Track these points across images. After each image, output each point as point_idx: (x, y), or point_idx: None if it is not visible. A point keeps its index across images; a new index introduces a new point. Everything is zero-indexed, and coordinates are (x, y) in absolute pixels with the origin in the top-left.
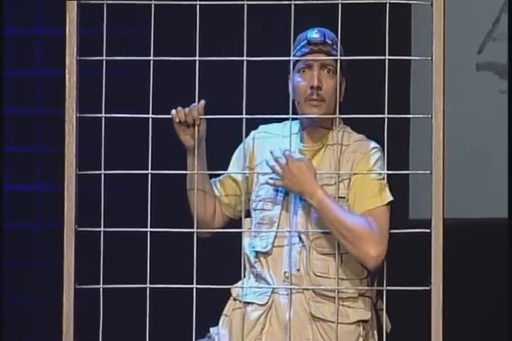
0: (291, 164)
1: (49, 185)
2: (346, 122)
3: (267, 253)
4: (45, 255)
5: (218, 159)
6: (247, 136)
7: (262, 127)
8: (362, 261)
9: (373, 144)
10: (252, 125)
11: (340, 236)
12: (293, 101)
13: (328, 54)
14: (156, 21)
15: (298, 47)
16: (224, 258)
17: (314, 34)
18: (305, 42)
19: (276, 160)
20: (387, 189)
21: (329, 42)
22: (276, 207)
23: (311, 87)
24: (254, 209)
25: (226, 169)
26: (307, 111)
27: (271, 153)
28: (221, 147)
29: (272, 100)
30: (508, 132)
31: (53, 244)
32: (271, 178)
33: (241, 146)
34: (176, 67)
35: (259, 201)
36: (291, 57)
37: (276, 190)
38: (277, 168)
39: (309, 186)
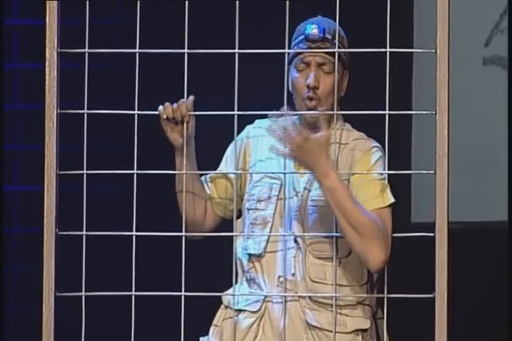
0: (307, 134)
1: (28, 185)
2: (346, 119)
3: (260, 256)
4: (24, 261)
5: (209, 158)
6: (239, 133)
7: (258, 122)
8: (366, 261)
9: (373, 143)
10: (247, 120)
11: (352, 229)
12: (290, 96)
13: (328, 52)
14: (143, 10)
15: (296, 41)
16: (215, 262)
17: (313, 29)
18: (303, 37)
19: (285, 129)
20: (388, 190)
21: (329, 37)
22: (270, 207)
23: (308, 86)
24: (248, 209)
25: (217, 168)
26: (303, 109)
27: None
28: (212, 145)
29: (267, 95)
30: (508, 132)
31: (32, 248)
32: (262, 178)
33: (235, 142)
34: (164, 61)
35: (253, 200)
36: (286, 50)
37: (270, 189)
38: (288, 137)
39: (324, 165)
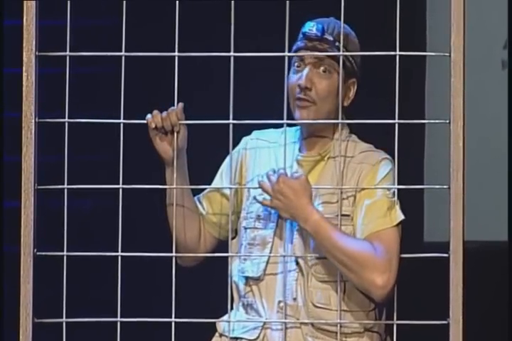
0: (283, 183)
1: (3, 201)
2: (352, 130)
3: (258, 279)
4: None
5: (203, 172)
6: (234, 143)
7: (255, 133)
8: (367, 292)
9: (383, 155)
10: (243, 131)
11: (341, 264)
12: (288, 104)
13: (325, 52)
14: (130, 9)
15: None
16: (208, 286)
17: (311, 27)
18: (301, 35)
19: (266, 176)
20: (397, 207)
21: (329, 38)
22: (270, 226)
23: (299, 86)
24: (245, 228)
25: (212, 184)
26: (294, 113)
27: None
28: (206, 158)
29: (266, 103)
30: (508, 140)
31: (8, 270)
32: (260, 194)
33: (230, 155)
34: (152, 65)
35: (251, 218)
36: (286, 53)
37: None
38: (266, 185)
39: (303, 210)
